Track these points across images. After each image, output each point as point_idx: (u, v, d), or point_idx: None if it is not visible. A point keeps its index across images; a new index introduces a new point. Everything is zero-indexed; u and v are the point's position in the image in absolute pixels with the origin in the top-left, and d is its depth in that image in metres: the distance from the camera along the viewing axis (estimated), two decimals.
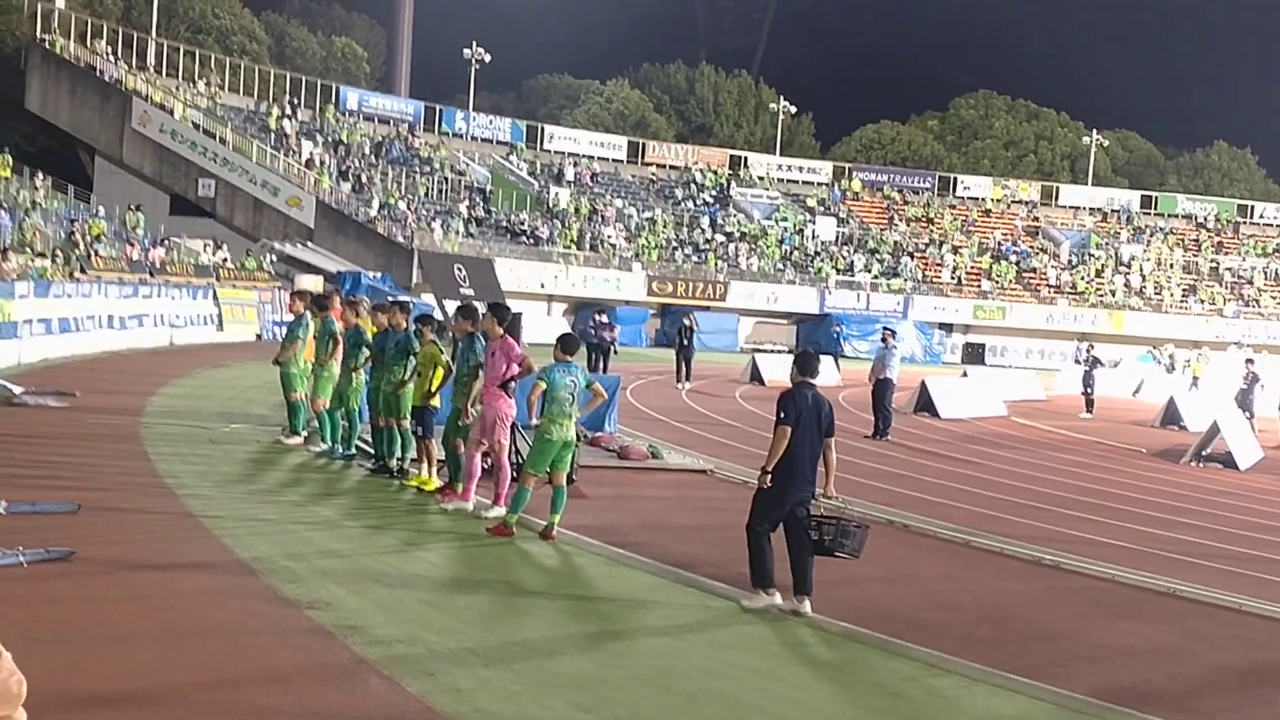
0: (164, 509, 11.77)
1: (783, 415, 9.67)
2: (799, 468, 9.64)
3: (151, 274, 39.61)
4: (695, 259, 66.51)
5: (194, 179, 55.15)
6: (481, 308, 13.88)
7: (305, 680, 7.06)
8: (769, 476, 9.66)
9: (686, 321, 35.53)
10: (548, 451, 11.60)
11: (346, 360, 15.94)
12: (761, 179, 77.61)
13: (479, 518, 12.30)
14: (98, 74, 56.36)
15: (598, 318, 32.97)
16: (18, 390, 19.05)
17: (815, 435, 9.76)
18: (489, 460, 13.04)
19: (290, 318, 18.62)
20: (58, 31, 56.81)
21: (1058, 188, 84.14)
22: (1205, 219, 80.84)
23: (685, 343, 34.12)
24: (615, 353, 32.64)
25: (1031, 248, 75.24)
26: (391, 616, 8.51)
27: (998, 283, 70.77)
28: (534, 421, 11.65)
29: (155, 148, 55.22)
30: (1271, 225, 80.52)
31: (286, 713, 6.54)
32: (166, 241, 45.38)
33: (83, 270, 35.31)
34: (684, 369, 33.57)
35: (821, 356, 10.59)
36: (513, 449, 14.84)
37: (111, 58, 57.95)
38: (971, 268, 72.11)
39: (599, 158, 74.13)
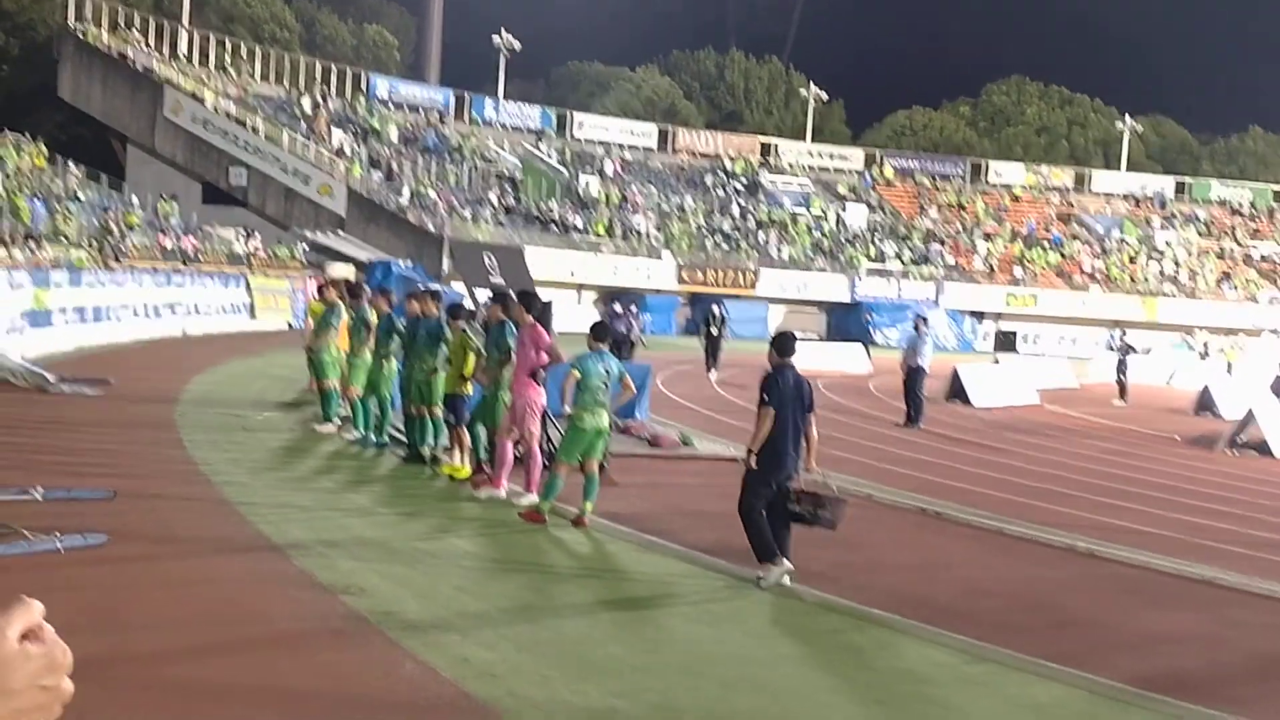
0: (199, 495, 11.84)
1: (765, 398, 10.00)
2: (783, 446, 9.94)
3: (184, 263, 39.84)
4: (725, 247, 66.34)
5: (226, 168, 55.33)
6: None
7: (341, 666, 7.09)
8: (754, 457, 9.98)
9: (715, 310, 35.10)
10: (580, 440, 11.61)
11: (378, 348, 16.01)
12: (792, 166, 77.29)
13: (512, 505, 12.33)
14: (130, 63, 56.58)
15: (616, 308, 32.75)
16: (53, 378, 19.19)
17: (798, 414, 10.07)
18: (520, 448, 13.07)
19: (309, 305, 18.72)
20: (90, 20, 57.04)
21: (1090, 174, 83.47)
22: (1240, 205, 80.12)
23: (715, 333, 33.79)
24: (644, 344, 32.13)
25: (1064, 234, 74.77)
26: (425, 602, 8.54)
27: (1030, 270, 70.36)
28: (567, 410, 11.66)
29: (187, 136, 55.43)
30: None
31: (323, 697, 6.57)
32: (199, 230, 45.63)
33: (116, 259, 35.53)
34: (712, 358, 33.36)
35: (796, 338, 10.93)
36: (544, 437, 14.90)
37: (143, 46, 58.16)
38: (1004, 255, 71.72)
39: (629, 145, 73.97)
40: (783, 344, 10.54)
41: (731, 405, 25.35)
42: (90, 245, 35.11)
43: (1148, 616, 10.04)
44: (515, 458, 13.23)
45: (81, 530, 9.31)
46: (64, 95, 56.55)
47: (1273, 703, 8.10)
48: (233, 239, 46.95)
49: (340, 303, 17.33)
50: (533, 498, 12.31)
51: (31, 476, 11.03)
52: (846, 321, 62.62)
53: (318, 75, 65.59)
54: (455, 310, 14.72)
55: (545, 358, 12.54)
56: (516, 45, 72.94)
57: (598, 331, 12.01)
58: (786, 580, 9.76)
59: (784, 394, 9.98)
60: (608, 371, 11.66)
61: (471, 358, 13.90)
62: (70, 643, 1.30)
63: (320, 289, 19.19)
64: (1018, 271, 69.99)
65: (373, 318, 16.33)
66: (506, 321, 13.26)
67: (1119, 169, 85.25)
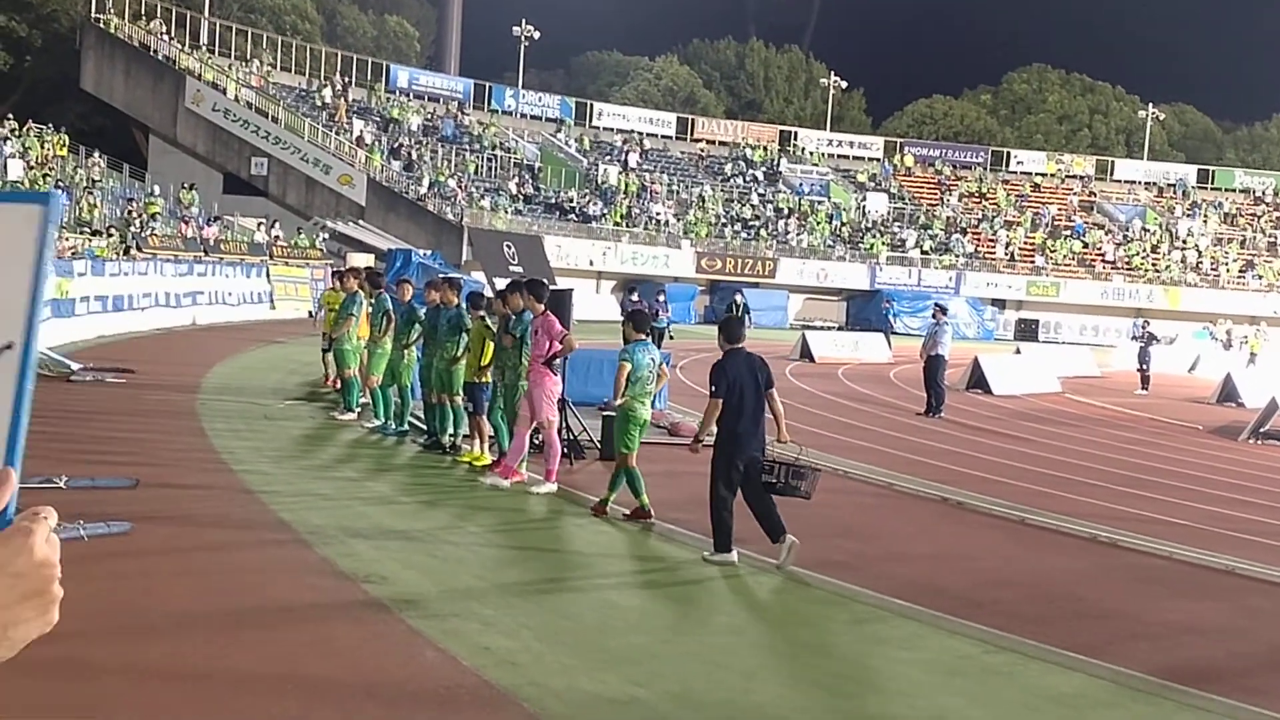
0: (221, 484, 11.89)
1: (713, 389, 10.21)
2: (745, 429, 10.13)
3: (206, 252, 39.98)
4: (745, 235, 66.26)
5: (247, 157, 55.47)
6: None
7: (362, 653, 7.11)
8: (699, 444, 10.56)
9: (738, 299, 34.62)
10: (637, 428, 11.63)
11: (398, 337, 16.06)
12: (812, 154, 77.13)
13: (529, 494, 12.34)
14: (151, 53, 56.76)
15: (635, 297, 32.54)
16: (76, 367, 19.30)
17: (755, 395, 10.23)
18: (539, 437, 13.09)
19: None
20: (112, 11, 57.24)
21: (1113, 162, 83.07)
22: (1263, 193, 79.62)
23: None
24: (671, 335, 31.71)
25: (1086, 223, 74.44)
26: (446, 590, 8.56)
27: (1051, 258, 70.08)
28: (618, 401, 11.66)
29: (209, 126, 55.58)
30: None
31: (345, 685, 6.59)
32: (220, 220, 45.78)
33: (138, 248, 35.68)
34: None
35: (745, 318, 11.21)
36: (564, 426, 14.91)
37: (165, 37, 58.34)
38: (1025, 243, 71.45)
39: (648, 134, 73.89)
40: (729, 330, 10.70)
41: None
42: (113, 234, 35.22)
43: (1169, 606, 9.99)
44: (534, 445, 13.26)
45: (105, 518, 9.36)
46: (86, 86, 56.75)
47: None
48: (254, 228, 47.10)
49: (361, 291, 17.38)
50: (551, 486, 12.34)
51: (56, 465, 11.09)
52: (866, 310, 62.49)
53: (338, 65, 65.71)
54: (475, 299, 14.73)
55: (559, 345, 12.56)
56: (536, 35, 72.96)
57: (638, 321, 12.00)
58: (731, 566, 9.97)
59: (735, 379, 10.14)
60: (653, 361, 11.70)
61: (490, 347, 13.92)
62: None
63: (341, 277, 19.24)
64: (1039, 260, 69.71)
65: (388, 306, 16.44)
66: (517, 311, 13.30)
67: (1141, 157, 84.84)
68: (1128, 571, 11.24)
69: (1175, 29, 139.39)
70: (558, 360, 12.72)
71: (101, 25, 56.62)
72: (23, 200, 1.33)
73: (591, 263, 58.08)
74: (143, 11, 59.11)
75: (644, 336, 11.83)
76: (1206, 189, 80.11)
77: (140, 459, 12.63)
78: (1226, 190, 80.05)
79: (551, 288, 17.87)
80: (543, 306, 12.86)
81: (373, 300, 17.07)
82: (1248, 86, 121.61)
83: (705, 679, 7.14)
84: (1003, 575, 10.71)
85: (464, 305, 14.80)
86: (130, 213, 40.36)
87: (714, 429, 10.34)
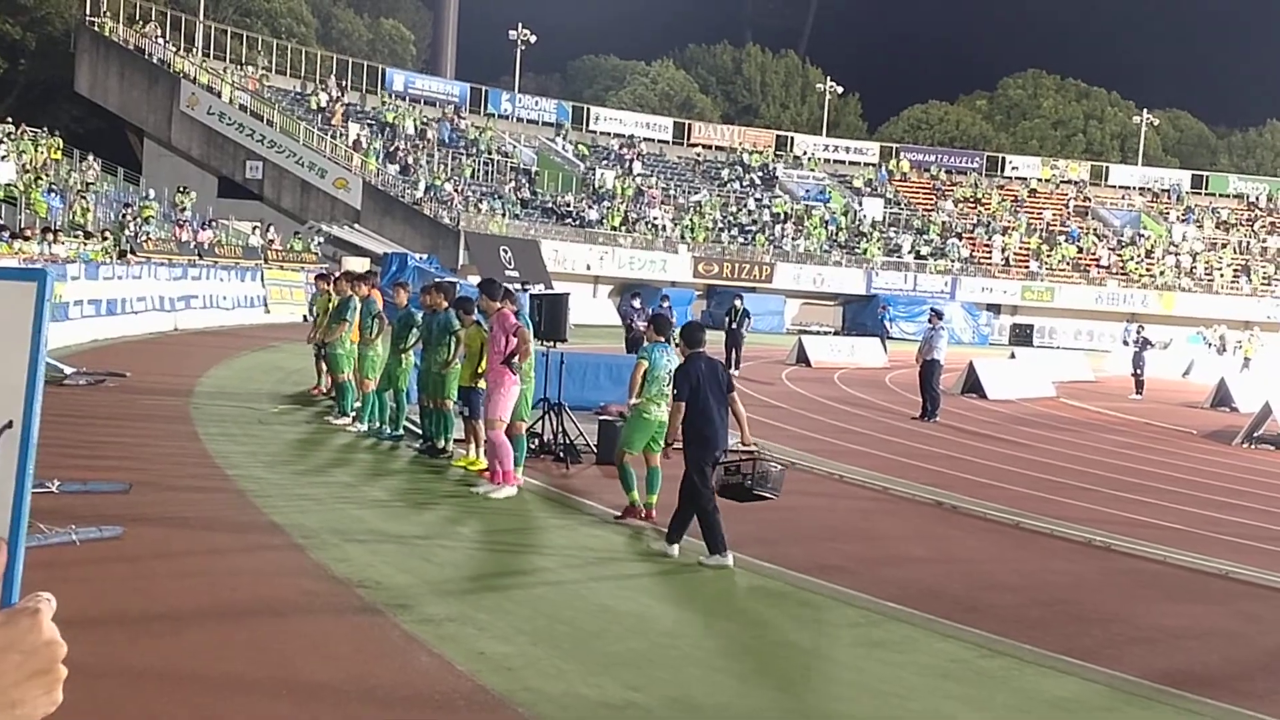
0: (214, 488, 11.86)
1: (676, 392, 10.48)
2: (711, 431, 10.32)
3: (200, 256, 39.92)
4: (741, 240, 66.29)
5: (242, 161, 55.45)
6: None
7: (356, 658, 7.09)
8: (671, 448, 10.76)
9: (737, 303, 33.69)
10: (646, 430, 11.54)
11: (396, 342, 16.05)
12: (808, 159, 77.21)
13: (486, 499, 12.25)
14: (146, 56, 56.74)
15: (635, 303, 31.77)
16: (69, 370, 19.25)
17: (719, 398, 10.42)
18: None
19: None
20: (106, 14, 57.19)
21: (1107, 167, 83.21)
22: (1257, 198, 79.74)
23: (734, 327, 32.37)
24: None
25: (1081, 228, 74.52)
26: (440, 595, 8.54)
27: (1046, 263, 70.15)
28: (633, 400, 11.62)
29: (203, 130, 55.55)
30: None
31: (339, 690, 6.58)
32: (215, 223, 45.73)
33: (132, 252, 35.63)
34: (733, 355, 31.66)
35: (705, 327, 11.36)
36: (560, 429, 14.90)
37: (160, 40, 58.33)
38: (1020, 248, 71.53)
39: (645, 139, 73.95)
40: (689, 335, 10.87)
41: (751, 399, 25.29)
42: (107, 238, 35.18)
43: (1164, 611, 9.99)
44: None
45: (97, 523, 9.33)
46: (81, 89, 56.74)
47: None
48: (248, 232, 47.05)
49: (355, 295, 17.37)
50: (509, 490, 12.29)
51: (48, 469, 11.05)
52: (862, 315, 62.59)
53: (334, 69, 65.70)
54: (466, 303, 14.67)
55: (515, 340, 12.50)
56: (532, 39, 72.97)
57: (660, 325, 11.92)
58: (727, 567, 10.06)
59: (698, 382, 10.32)
60: (670, 363, 11.64)
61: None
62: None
63: (335, 281, 19.24)
64: (1034, 265, 69.78)
65: (379, 309, 16.50)
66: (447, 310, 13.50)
67: (1136, 163, 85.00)
68: (1122, 576, 11.24)
69: (1170, 36, 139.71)
70: (515, 360, 12.62)
71: (96, 28, 56.59)
72: (16, 277, 1.34)
73: (589, 267, 58.10)
74: (137, 15, 59.08)
75: (664, 339, 11.78)
76: (1201, 194, 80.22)
77: (133, 463, 12.60)
78: (1221, 195, 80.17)
79: (548, 292, 17.92)
80: (498, 305, 12.81)
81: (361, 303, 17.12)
82: (1242, 92, 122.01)
83: (701, 683, 7.13)
84: (998, 579, 10.70)
85: (452, 310, 14.77)
86: (125, 216, 40.30)
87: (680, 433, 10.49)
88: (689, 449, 10.39)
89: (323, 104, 61.29)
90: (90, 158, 46.56)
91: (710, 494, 10.22)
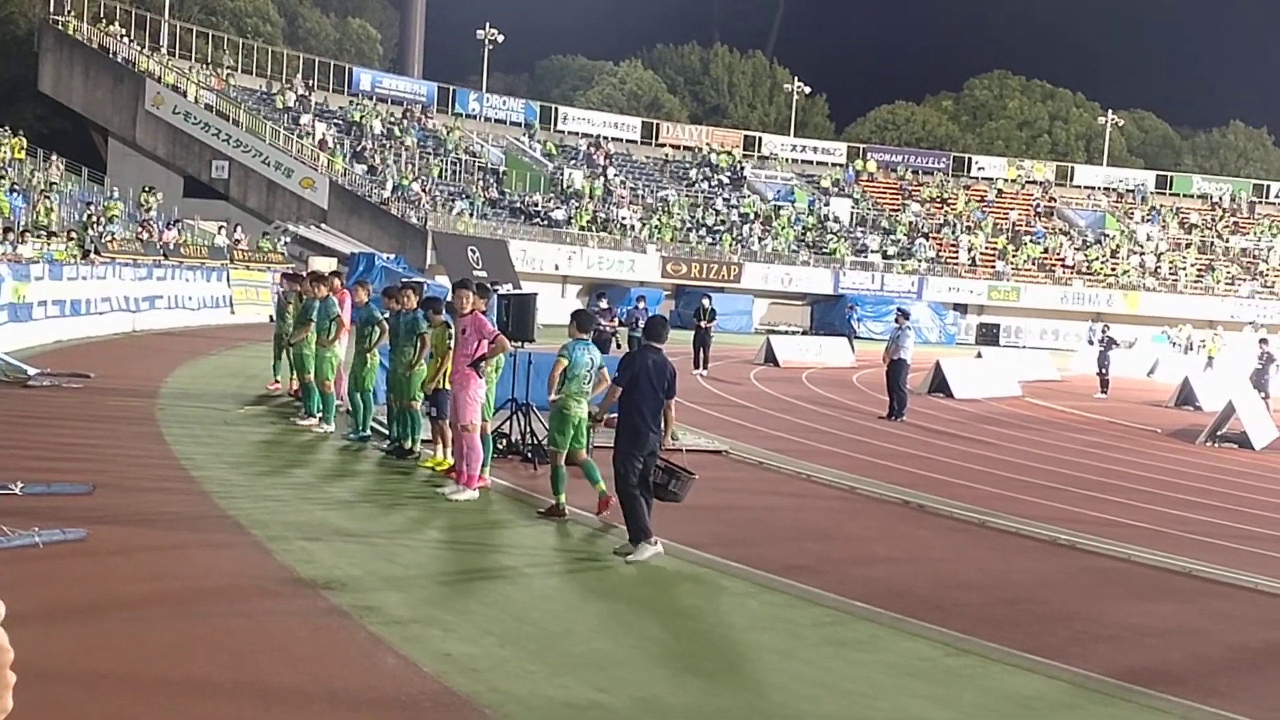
0: (179, 489, 11.79)
1: (616, 376, 10.71)
2: (642, 425, 10.41)
3: (165, 256, 39.66)
4: (709, 240, 66.33)
5: (208, 161, 55.12)
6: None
7: (322, 660, 7.06)
8: (601, 420, 11.30)
9: (705, 303, 33.52)
10: (568, 427, 11.59)
11: (359, 341, 15.98)
12: (775, 160, 77.36)
13: (449, 501, 12.21)
14: (110, 55, 56.32)
15: (602, 304, 31.41)
16: (32, 372, 19.11)
17: (655, 396, 10.46)
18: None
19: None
20: (70, 13, 56.75)
21: (1073, 168, 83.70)
22: (1221, 199, 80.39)
23: (703, 326, 32.32)
24: (619, 345, 29.42)
25: (1047, 228, 74.93)
26: (407, 596, 8.51)
27: (1012, 263, 70.52)
28: (552, 398, 11.61)
29: (169, 129, 55.18)
30: None
31: (304, 692, 6.54)
32: (180, 223, 45.45)
33: (96, 252, 35.37)
34: (702, 355, 31.93)
35: (667, 324, 11.64)
36: (528, 430, 14.87)
37: (124, 39, 57.92)
38: (986, 248, 71.87)
39: (613, 139, 73.93)
40: (652, 329, 11.06)
41: (719, 399, 25.35)
42: (72, 238, 34.92)
43: (1129, 608, 10.05)
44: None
45: (61, 525, 9.26)
46: (45, 88, 56.26)
47: (1254, 694, 8.11)
48: (214, 232, 46.79)
49: (330, 296, 17.27)
50: (471, 493, 12.26)
51: (11, 472, 10.97)
52: (830, 314, 62.75)
53: (300, 68, 65.40)
54: (434, 303, 14.61)
55: (487, 346, 12.47)
56: (500, 39, 72.81)
57: (581, 321, 11.93)
58: (660, 555, 10.19)
59: (639, 374, 10.42)
60: (591, 361, 11.63)
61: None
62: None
63: (300, 281, 19.16)
64: (1000, 265, 70.13)
65: (337, 311, 16.51)
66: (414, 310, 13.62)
67: (1101, 163, 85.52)
68: (1088, 574, 11.30)
69: (1135, 37, 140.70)
70: (483, 363, 12.60)
71: (60, 27, 56.13)
72: None
73: (557, 267, 58.04)
74: (102, 13, 58.65)
75: (585, 336, 11.80)
76: (1165, 194, 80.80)
77: (97, 465, 12.51)
78: (1185, 196, 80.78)
79: (516, 292, 17.88)
80: (483, 305, 12.81)
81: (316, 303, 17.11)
82: (1206, 94, 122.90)
83: (668, 683, 7.12)
84: (964, 578, 10.74)
85: (420, 310, 14.73)
86: (89, 216, 40.01)
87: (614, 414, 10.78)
88: (618, 438, 10.58)
89: (289, 103, 60.99)
90: (54, 157, 46.20)
91: (636, 487, 10.33)
